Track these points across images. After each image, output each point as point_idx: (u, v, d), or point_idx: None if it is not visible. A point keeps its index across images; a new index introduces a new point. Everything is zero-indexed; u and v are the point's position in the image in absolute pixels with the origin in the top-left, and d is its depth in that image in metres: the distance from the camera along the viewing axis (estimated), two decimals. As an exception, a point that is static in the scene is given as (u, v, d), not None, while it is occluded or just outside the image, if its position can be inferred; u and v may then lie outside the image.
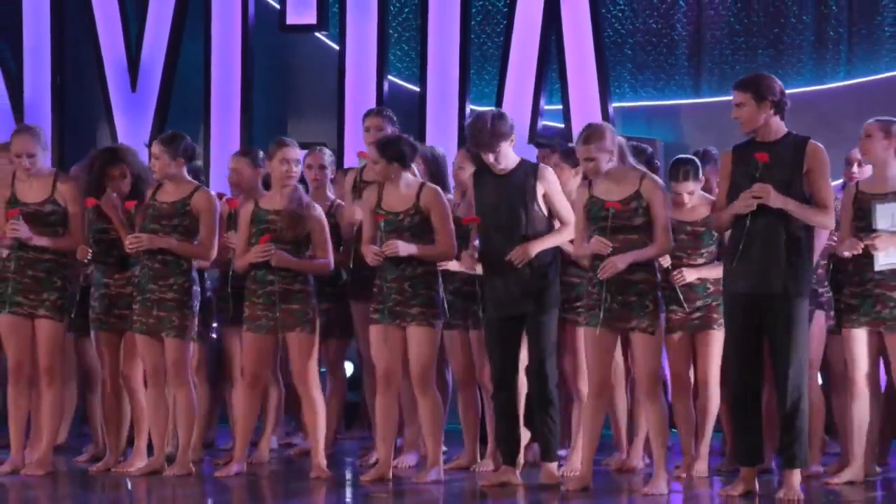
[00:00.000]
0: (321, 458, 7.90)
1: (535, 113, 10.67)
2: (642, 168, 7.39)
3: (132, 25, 11.31)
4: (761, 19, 10.72)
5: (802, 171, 6.97)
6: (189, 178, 8.09)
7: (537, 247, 7.43)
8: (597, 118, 10.47)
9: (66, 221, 8.06)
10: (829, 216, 7.04)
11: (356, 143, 10.33)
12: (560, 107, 10.73)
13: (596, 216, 7.27)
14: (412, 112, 10.81)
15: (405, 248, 7.55)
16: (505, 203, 7.49)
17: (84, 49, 11.40)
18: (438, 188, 7.79)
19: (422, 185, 7.73)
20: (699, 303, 7.84)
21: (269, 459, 8.59)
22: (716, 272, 7.81)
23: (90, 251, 8.07)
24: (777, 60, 10.64)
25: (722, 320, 7.84)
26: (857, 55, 10.53)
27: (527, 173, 7.52)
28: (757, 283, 6.97)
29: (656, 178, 7.39)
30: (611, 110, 10.64)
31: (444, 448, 8.99)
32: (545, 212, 7.53)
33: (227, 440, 9.17)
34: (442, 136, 10.65)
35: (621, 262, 7.16)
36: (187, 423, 8.02)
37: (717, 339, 7.87)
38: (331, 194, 8.93)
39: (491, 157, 7.50)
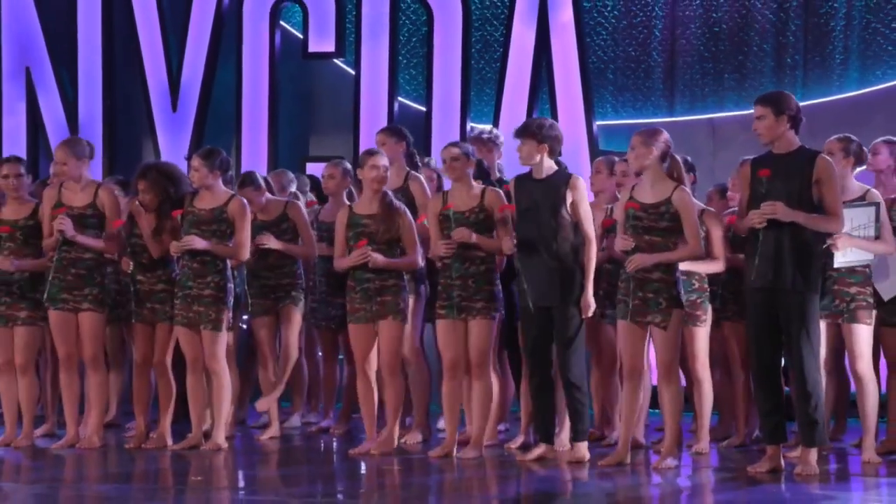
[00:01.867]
0: (394, 434, 7.87)
1: (528, 130, 10.73)
2: (685, 182, 7.35)
3: (173, 55, 11.32)
4: (727, 48, 10.72)
5: (812, 181, 6.92)
6: (224, 187, 8.18)
7: (653, 259, 7.19)
8: (582, 135, 10.53)
9: (104, 226, 8.12)
10: (836, 222, 6.98)
11: (370, 157, 10.39)
12: (550, 124, 10.77)
13: (630, 216, 7.26)
14: (419, 129, 10.80)
15: (468, 236, 7.52)
16: (540, 205, 7.46)
17: (131, 75, 11.41)
18: (500, 191, 7.75)
19: (485, 188, 7.70)
20: (683, 297, 7.80)
21: (295, 436, 8.66)
22: (704, 267, 7.81)
23: (131, 263, 8.13)
24: (741, 84, 10.66)
25: (705, 317, 7.93)
26: (812, 79, 10.53)
27: (560, 181, 7.50)
28: (771, 280, 6.92)
29: (688, 191, 7.33)
30: (595, 128, 10.66)
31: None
32: (572, 217, 7.46)
33: (257, 418, 9.26)
34: (446, 149, 10.71)
35: (649, 260, 7.15)
36: (222, 404, 8.09)
37: (701, 336, 7.90)
38: (347, 202, 9.02)
39: (524, 150, 7.47)
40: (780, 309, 6.97)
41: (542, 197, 7.47)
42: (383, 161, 7.86)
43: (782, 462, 7.09)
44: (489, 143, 8.83)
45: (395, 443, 7.87)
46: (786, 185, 6.92)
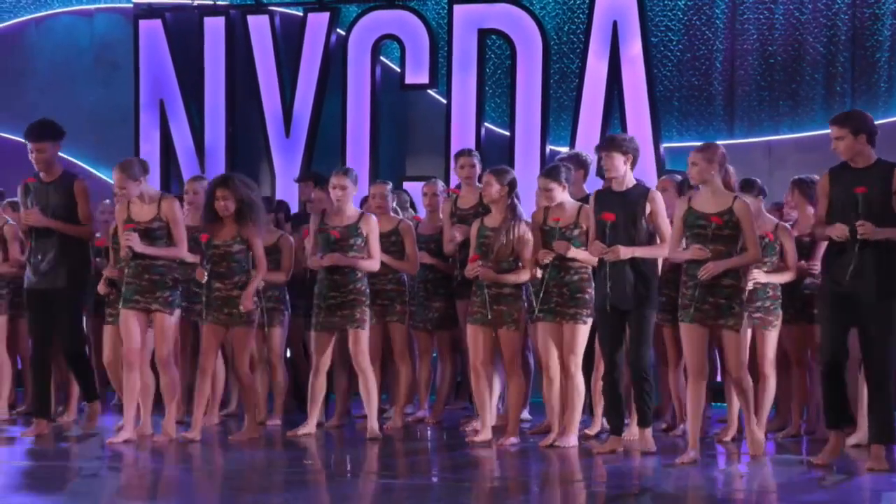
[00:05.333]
0: (517, 426, 7.71)
1: (601, 152, 10.67)
2: (737, 189, 7.20)
3: (286, 87, 11.35)
4: (782, 77, 10.60)
5: (893, 191, 6.70)
6: (354, 206, 8.01)
7: (629, 251, 7.21)
8: (650, 156, 10.43)
9: (170, 234, 7.81)
10: None
11: (460, 176, 10.41)
12: (621, 147, 10.68)
13: (692, 225, 7.05)
14: (503, 151, 10.80)
15: (566, 249, 7.42)
16: (620, 215, 7.31)
17: (250, 106, 11.46)
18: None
19: (581, 206, 7.55)
20: (758, 303, 7.70)
21: (403, 425, 8.60)
22: (780, 278, 7.73)
23: (206, 273, 7.86)
24: (794, 110, 10.55)
25: (776, 322, 7.82)
26: (859, 106, 10.27)
27: (640, 194, 7.37)
28: (856, 286, 6.69)
29: (747, 200, 7.15)
30: (661, 150, 10.59)
31: (528, 416, 9.06)
32: (650, 227, 7.31)
33: (360, 409, 9.26)
34: (527, 169, 10.55)
35: (721, 266, 6.95)
36: (371, 397, 7.95)
37: (771, 339, 7.81)
38: (442, 216, 9.00)
39: (603, 159, 7.34)
40: (862, 313, 6.73)
41: (622, 208, 7.32)
42: (493, 185, 7.71)
43: (842, 452, 6.88)
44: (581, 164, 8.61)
45: (518, 434, 7.73)
46: (866, 196, 6.70)
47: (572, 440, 7.59)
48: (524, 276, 7.66)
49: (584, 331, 7.54)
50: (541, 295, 7.53)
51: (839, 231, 6.72)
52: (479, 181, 8.54)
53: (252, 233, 7.85)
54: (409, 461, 7.52)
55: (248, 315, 7.84)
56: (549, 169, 7.73)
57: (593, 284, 7.54)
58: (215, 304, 7.89)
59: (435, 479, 6.96)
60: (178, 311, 7.88)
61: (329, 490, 6.59)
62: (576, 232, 7.51)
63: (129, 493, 6.47)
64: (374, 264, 8.01)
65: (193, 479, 6.90)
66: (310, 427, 8.11)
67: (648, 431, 7.43)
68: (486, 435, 7.77)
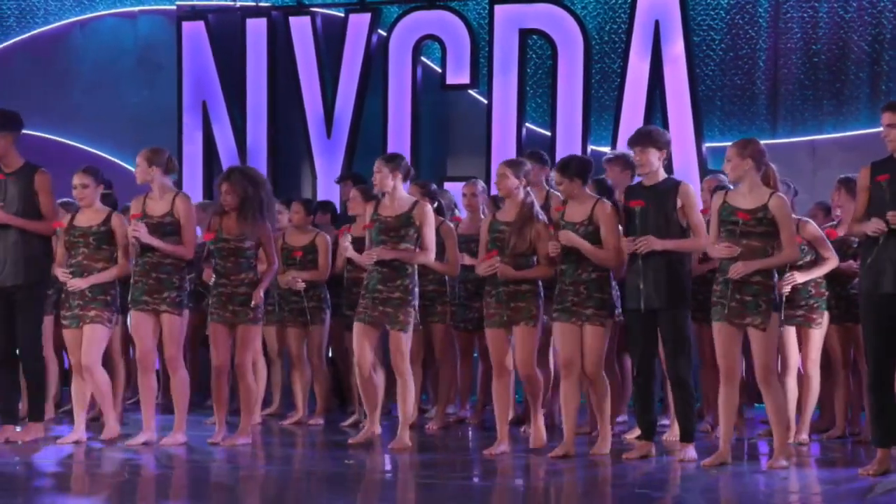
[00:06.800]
0: (541, 425, 7.47)
1: (643, 152, 10.60)
2: (778, 189, 6.96)
3: (328, 88, 11.37)
4: (826, 76, 10.50)
5: None
6: (406, 193, 7.65)
7: (660, 244, 6.99)
8: (692, 156, 10.39)
9: (180, 232, 7.62)
10: None
11: (500, 177, 10.37)
12: (663, 147, 10.61)
13: (725, 220, 6.84)
14: (544, 152, 10.78)
15: (566, 237, 7.17)
16: (650, 210, 7.11)
17: (291, 107, 11.49)
18: (610, 203, 7.33)
19: (597, 201, 7.29)
20: (801, 302, 7.58)
21: (444, 426, 8.59)
22: (820, 271, 7.61)
23: (213, 276, 7.65)
24: (839, 109, 10.44)
25: (821, 321, 7.68)
26: (904, 105, 10.30)
27: (670, 188, 7.15)
28: (893, 283, 6.38)
29: (784, 197, 6.89)
30: (704, 149, 10.52)
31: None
32: (682, 222, 7.09)
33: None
34: (568, 170, 10.63)
35: (753, 266, 6.72)
36: (407, 402, 7.56)
37: (816, 338, 7.69)
38: (482, 217, 9.02)
39: (636, 154, 7.16)
40: None
41: (652, 203, 7.13)
42: (509, 178, 7.45)
43: (892, 464, 6.63)
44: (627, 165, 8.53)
45: (545, 438, 7.49)
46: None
47: (605, 448, 7.34)
48: (542, 273, 7.42)
49: (603, 333, 7.22)
50: (555, 293, 7.30)
51: (875, 226, 6.47)
52: (547, 182, 8.52)
53: (251, 230, 7.56)
54: (449, 462, 7.50)
55: (253, 312, 7.58)
56: (562, 163, 7.42)
57: (614, 283, 7.34)
58: (220, 300, 7.61)
59: (476, 480, 6.94)
60: (186, 312, 7.68)
61: (370, 491, 6.58)
62: (590, 229, 7.22)
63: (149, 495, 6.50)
64: (428, 256, 7.56)
65: (233, 482, 6.91)
66: (370, 430, 7.74)
67: (691, 447, 7.12)
68: (503, 447, 7.41)
